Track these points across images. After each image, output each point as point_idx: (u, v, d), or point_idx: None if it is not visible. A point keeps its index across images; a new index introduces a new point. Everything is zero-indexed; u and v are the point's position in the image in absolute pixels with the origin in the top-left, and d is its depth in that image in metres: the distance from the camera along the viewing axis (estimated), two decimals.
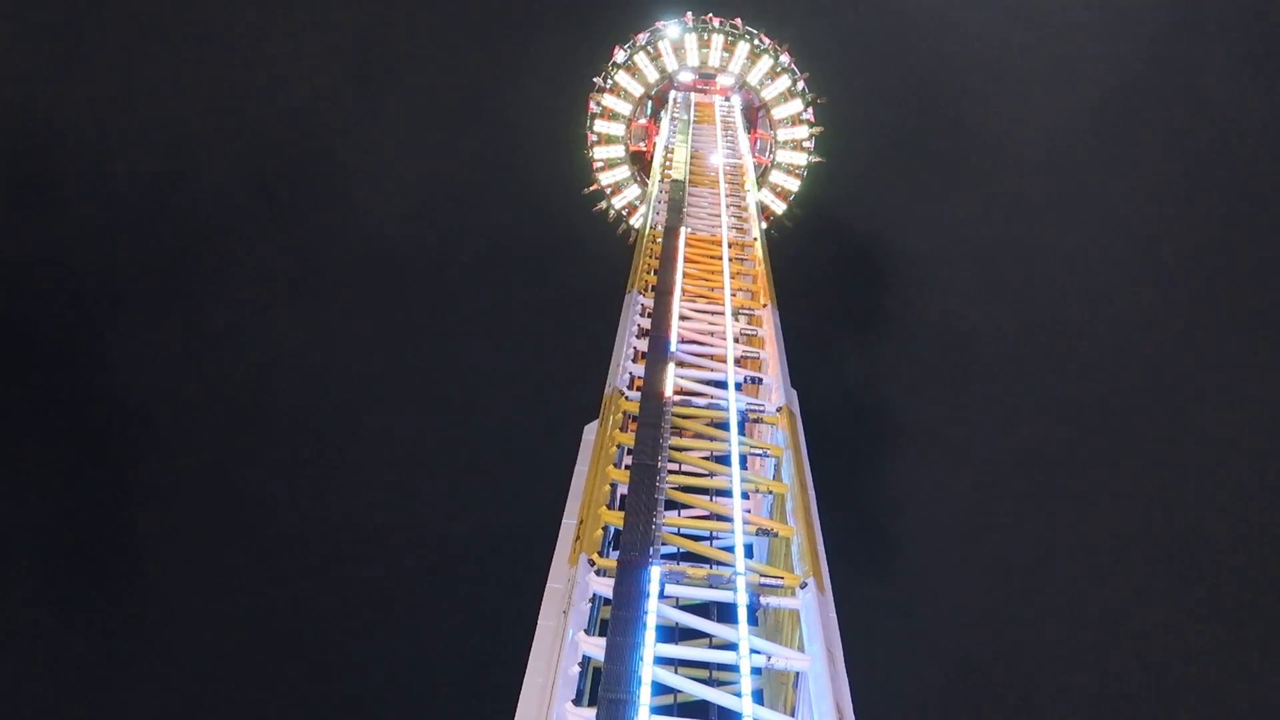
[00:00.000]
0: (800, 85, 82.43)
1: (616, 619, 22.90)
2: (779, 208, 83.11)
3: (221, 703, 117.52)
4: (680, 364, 35.13)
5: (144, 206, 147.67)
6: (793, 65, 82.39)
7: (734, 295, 41.43)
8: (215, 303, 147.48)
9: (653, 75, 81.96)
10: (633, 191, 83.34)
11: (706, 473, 31.01)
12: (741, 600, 24.69)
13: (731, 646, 23.67)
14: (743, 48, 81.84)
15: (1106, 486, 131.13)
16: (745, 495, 29.72)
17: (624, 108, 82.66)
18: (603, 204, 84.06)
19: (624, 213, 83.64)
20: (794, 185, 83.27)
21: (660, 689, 22.46)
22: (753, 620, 25.06)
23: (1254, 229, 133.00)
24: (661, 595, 24.26)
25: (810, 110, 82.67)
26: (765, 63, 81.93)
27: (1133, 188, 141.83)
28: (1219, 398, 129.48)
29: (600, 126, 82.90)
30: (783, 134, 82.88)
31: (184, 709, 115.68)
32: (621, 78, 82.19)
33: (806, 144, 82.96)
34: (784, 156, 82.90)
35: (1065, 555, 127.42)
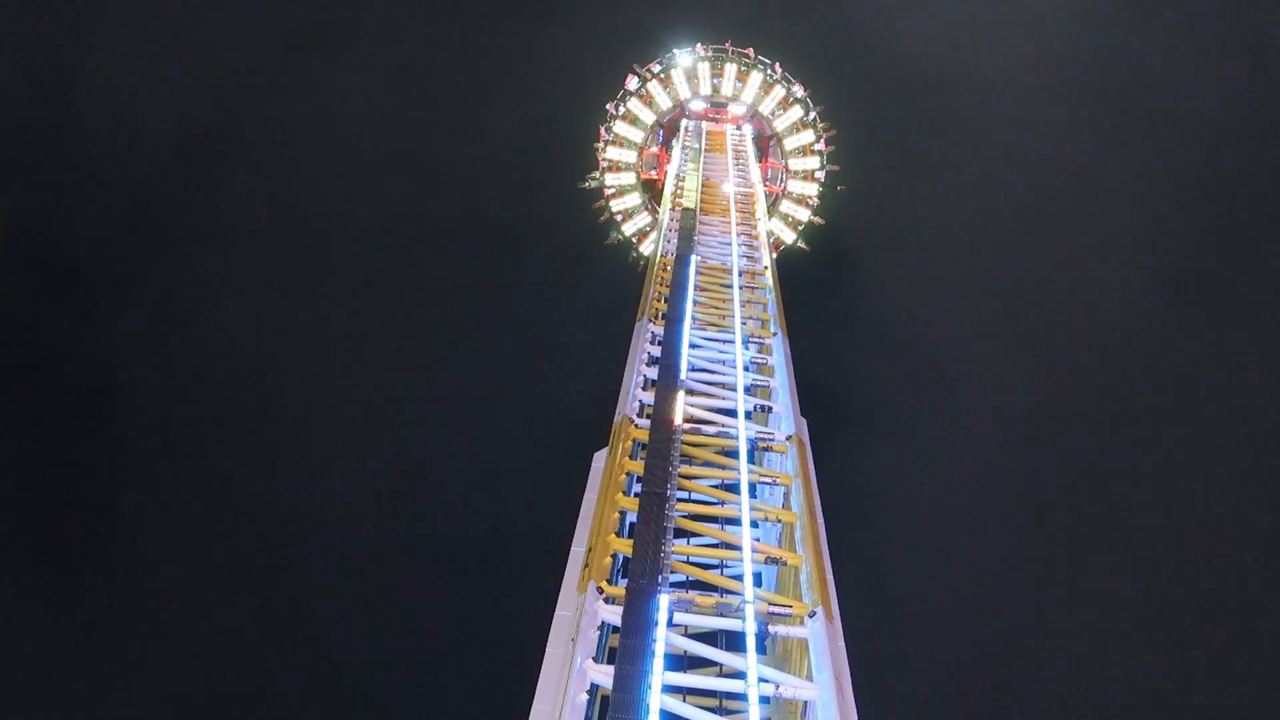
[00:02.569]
0: (813, 115, 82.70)
1: (625, 647, 22.95)
2: (790, 236, 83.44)
3: (206, 700, 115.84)
4: (690, 392, 35.25)
5: (99, 182, 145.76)
6: (806, 96, 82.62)
7: (744, 323, 41.51)
8: (199, 286, 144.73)
9: (663, 106, 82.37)
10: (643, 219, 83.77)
11: (716, 501, 31.02)
12: (750, 629, 24.71)
13: (740, 675, 23.69)
14: (755, 77, 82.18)
15: (1086, 487, 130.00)
16: (755, 524, 29.70)
17: (629, 156, 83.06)
18: (621, 240, 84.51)
19: (634, 240, 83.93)
20: (805, 214, 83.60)
21: (668, 718, 22.44)
22: (761, 649, 25.07)
23: (1233, 220, 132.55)
24: (670, 623, 24.29)
25: (822, 142, 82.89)
26: (778, 93, 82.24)
27: (1115, 183, 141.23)
28: (1200, 394, 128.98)
29: (613, 153, 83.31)
30: (794, 163, 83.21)
31: (165, 703, 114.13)
32: (622, 123, 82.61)
33: (818, 174, 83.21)
34: (797, 169, 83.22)
35: (1047, 556, 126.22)
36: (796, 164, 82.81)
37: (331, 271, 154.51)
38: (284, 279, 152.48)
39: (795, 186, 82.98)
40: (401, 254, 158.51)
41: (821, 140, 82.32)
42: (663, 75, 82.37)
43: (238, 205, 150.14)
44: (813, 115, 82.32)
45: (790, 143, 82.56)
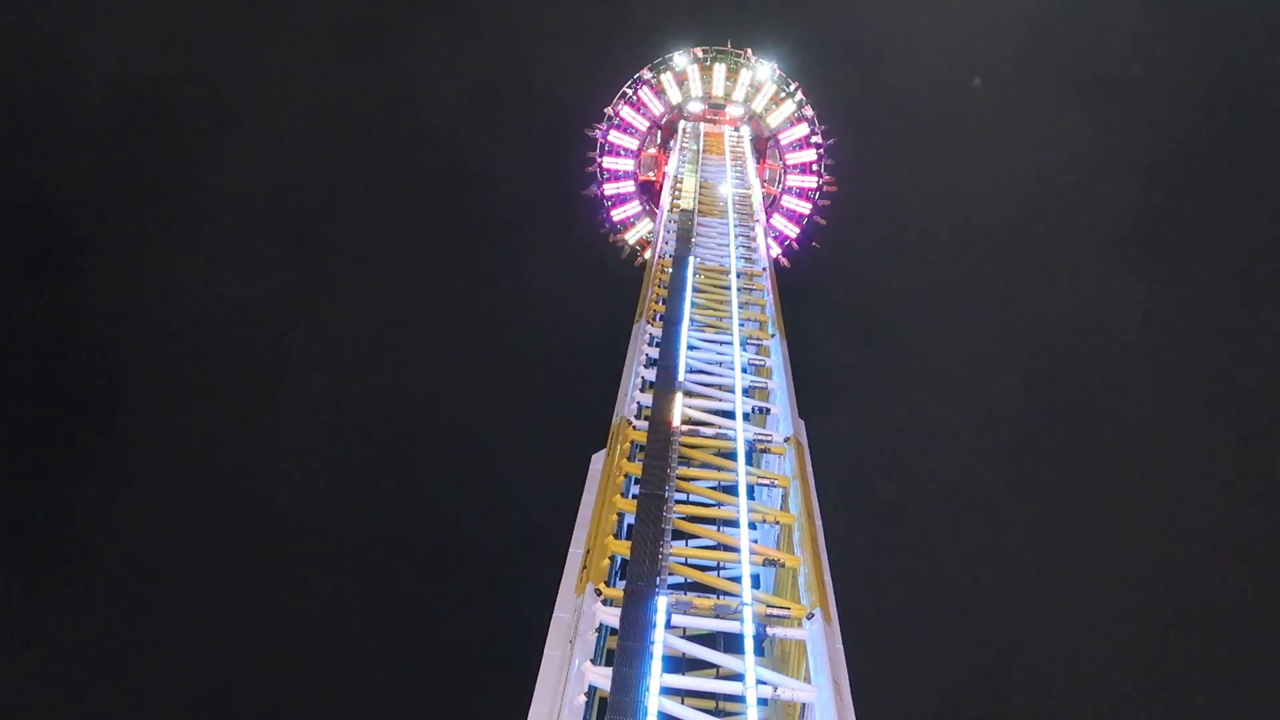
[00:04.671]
0: (808, 114, 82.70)
1: (623, 649, 22.97)
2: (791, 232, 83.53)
3: (197, 699, 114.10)
4: (688, 394, 35.25)
5: (61, 145, 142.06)
6: (803, 96, 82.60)
7: (742, 325, 41.54)
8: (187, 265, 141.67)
9: (661, 108, 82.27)
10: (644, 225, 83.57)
11: (714, 503, 31.05)
12: (748, 631, 24.74)
13: (738, 677, 23.73)
14: (751, 78, 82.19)
15: (1083, 490, 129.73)
16: (753, 525, 29.72)
17: (630, 152, 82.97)
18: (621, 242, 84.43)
19: (609, 203, 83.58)
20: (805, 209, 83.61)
21: None
22: (759, 651, 25.11)
23: (1231, 219, 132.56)
24: (668, 625, 24.32)
25: (818, 141, 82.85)
26: (778, 96, 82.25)
27: (1103, 178, 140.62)
28: (1198, 398, 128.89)
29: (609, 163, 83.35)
30: (791, 159, 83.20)
31: (148, 704, 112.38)
32: (627, 113, 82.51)
33: (815, 168, 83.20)
34: (794, 180, 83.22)
35: (1046, 556, 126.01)
36: (791, 204, 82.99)
37: (315, 244, 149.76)
38: (264, 252, 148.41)
39: (780, 222, 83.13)
40: (389, 233, 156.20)
41: (811, 112, 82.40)
42: (656, 79, 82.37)
43: (204, 170, 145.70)
44: (808, 114, 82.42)
45: (792, 180, 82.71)
